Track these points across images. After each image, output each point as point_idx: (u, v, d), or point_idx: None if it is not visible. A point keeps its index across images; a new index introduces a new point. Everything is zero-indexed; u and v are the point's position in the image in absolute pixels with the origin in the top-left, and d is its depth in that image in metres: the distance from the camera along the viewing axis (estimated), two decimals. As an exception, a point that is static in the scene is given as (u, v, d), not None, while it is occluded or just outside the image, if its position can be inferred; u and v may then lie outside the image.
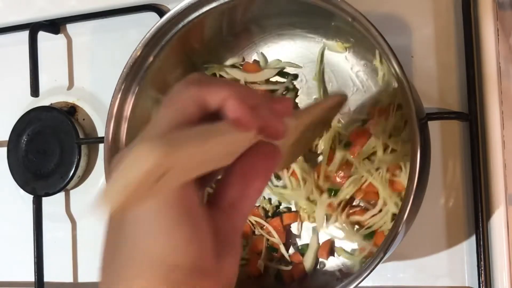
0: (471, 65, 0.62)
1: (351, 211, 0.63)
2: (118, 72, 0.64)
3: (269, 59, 0.69)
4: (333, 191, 0.63)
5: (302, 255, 0.66)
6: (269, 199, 0.68)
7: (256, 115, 0.37)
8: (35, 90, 0.80)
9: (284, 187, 0.67)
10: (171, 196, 0.34)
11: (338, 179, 0.63)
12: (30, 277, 0.77)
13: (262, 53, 0.69)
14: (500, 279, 0.60)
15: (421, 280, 0.64)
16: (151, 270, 0.34)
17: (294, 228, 0.67)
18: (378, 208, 0.62)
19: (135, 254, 0.34)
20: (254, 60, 0.69)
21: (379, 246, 0.53)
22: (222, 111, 0.36)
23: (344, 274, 0.64)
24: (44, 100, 0.82)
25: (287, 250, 0.67)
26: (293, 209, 0.67)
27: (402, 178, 0.60)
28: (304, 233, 0.67)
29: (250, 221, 0.67)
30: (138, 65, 0.64)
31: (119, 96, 0.65)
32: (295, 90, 0.68)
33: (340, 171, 0.63)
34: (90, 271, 0.79)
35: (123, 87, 0.64)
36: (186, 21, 0.63)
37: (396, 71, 0.53)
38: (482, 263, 0.60)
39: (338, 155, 0.63)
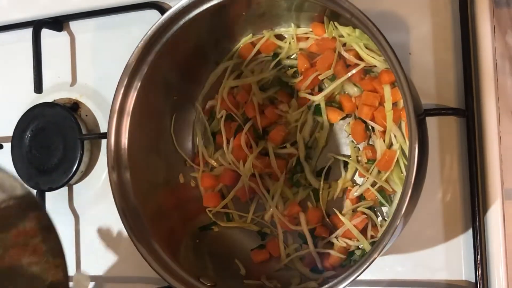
0: (468, 62, 0.63)
1: None
2: (121, 68, 0.65)
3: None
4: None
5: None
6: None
7: None
8: (38, 87, 0.81)
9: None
10: None
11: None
12: (34, 270, 0.78)
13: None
14: (497, 272, 0.61)
15: (418, 273, 0.65)
16: None
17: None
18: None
19: None
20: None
21: (377, 239, 0.54)
22: None
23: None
24: (48, 96, 0.83)
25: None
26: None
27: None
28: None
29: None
30: (140, 61, 0.65)
31: (122, 92, 0.65)
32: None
33: None
34: (92, 264, 0.80)
35: (125, 83, 0.65)
36: (187, 18, 0.64)
37: (395, 67, 0.53)
38: (479, 256, 0.61)
39: None
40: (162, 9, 0.76)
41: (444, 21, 0.65)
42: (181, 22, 0.64)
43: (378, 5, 0.67)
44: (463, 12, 0.64)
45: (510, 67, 0.68)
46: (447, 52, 0.65)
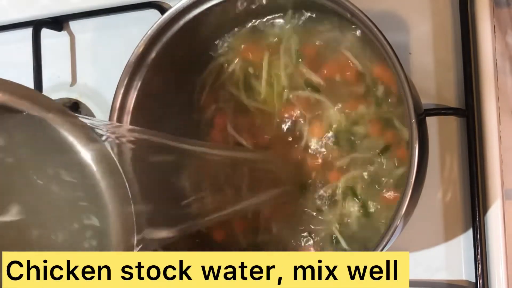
0: (468, 62, 0.63)
1: None
2: (121, 68, 0.65)
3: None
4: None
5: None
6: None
7: None
8: (38, 87, 0.81)
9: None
10: None
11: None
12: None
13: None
14: (497, 272, 0.61)
15: (418, 273, 0.65)
16: None
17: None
18: None
19: None
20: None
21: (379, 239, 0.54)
22: None
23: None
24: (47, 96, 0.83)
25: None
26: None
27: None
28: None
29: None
30: (140, 61, 0.65)
31: (122, 92, 0.65)
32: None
33: None
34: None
35: (125, 83, 0.65)
36: (187, 18, 0.64)
37: (395, 67, 0.54)
38: (479, 256, 0.61)
39: None
40: (162, 9, 0.76)
41: (444, 21, 0.65)
42: (181, 22, 0.64)
43: (378, 5, 0.67)
44: (463, 12, 0.64)
45: (510, 67, 0.68)
46: (447, 52, 0.65)
